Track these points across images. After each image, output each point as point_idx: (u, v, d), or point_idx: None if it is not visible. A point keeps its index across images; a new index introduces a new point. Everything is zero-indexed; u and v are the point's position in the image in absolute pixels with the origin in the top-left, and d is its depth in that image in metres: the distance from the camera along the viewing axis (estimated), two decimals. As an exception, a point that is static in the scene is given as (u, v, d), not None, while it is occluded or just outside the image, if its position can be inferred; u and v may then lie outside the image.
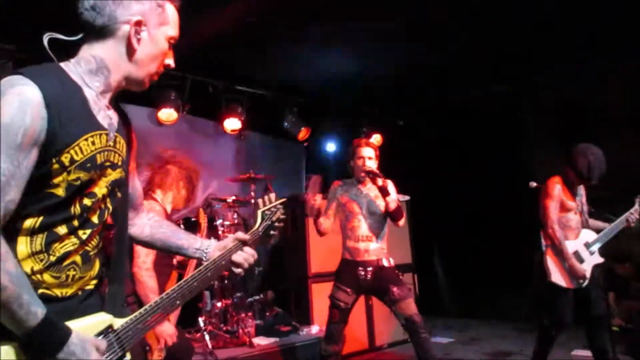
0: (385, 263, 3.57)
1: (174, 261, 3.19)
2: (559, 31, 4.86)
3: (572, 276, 3.53)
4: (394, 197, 3.56)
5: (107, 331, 1.32)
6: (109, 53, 1.36)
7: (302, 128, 6.54)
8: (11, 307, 1.10)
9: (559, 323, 3.60)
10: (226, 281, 4.95)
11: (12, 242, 1.19)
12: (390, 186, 3.57)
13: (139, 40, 1.37)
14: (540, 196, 3.71)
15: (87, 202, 1.31)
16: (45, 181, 1.21)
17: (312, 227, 5.16)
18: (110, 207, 1.42)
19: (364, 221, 3.59)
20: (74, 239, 1.30)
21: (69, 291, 1.30)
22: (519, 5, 4.36)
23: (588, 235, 3.69)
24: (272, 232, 1.79)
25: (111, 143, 1.37)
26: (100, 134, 1.33)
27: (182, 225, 4.48)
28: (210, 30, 4.63)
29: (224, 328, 4.64)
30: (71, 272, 1.30)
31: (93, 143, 1.30)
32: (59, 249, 1.27)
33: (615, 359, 3.57)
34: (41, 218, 1.23)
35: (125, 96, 5.11)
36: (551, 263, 3.58)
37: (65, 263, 1.28)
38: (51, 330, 1.16)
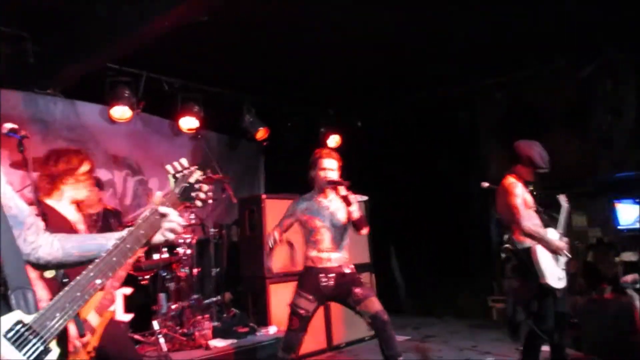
0: (346, 270, 3.58)
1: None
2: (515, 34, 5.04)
3: (557, 276, 3.57)
4: (356, 207, 3.55)
5: (15, 326, 1.29)
6: None
7: (261, 128, 6.49)
8: None
9: (547, 326, 3.56)
10: (181, 283, 4.86)
11: None
12: (352, 196, 3.53)
13: None
14: (503, 197, 3.71)
15: None
16: None
17: (269, 227, 5.15)
18: None
19: (327, 233, 3.57)
20: None
21: None
22: (474, 7, 4.49)
23: (553, 233, 3.71)
24: (192, 193, 1.77)
25: None
26: None
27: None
28: (165, 26, 4.53)
29: (180, 331, 4.55)
30: None
31: None
32: None
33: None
34: None
35: (76, 92, 4.98)
36: (542, 263, 3.52)
37: None
38: None
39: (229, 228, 5.97)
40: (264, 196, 5.29)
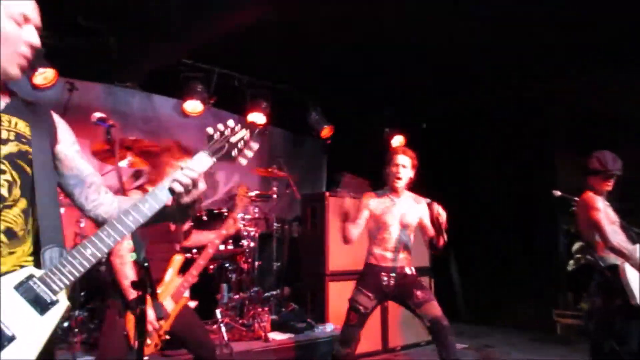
0: (408, 271, 3.57)
1: (177, 246, 3.18)
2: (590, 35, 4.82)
3: None
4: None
5: (27, 280, 1.35)
6: None
7: (326, 126, 6.54)
8: None
9: (630, 348, 3.42)
10: (243, 275, 4.98)
11: None
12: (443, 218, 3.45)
13: None
14: (584, 212, 3.58)
15: None
16: None
17: (331, 225, 5.22)
18: (19, 181, 1.41)
19: (396, 233, 3.56)
20: None
21: (3, 267, 1.34)
22: (544, 8, 4.33)
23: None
24: (232, 151, 1.63)
25: None
26: None
27: (205, 217, 4.54)
28: (237, 24, 4.65)
29: (240, 321, 4.67)
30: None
31: None
32: None
33: None
34: None
35: (152, 86, 5.21)
36: (632, 282, 3.35)
37: None
38: None
39: (290, 224, 6.06)
40: (327, 193, 5.33)
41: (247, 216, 5.02)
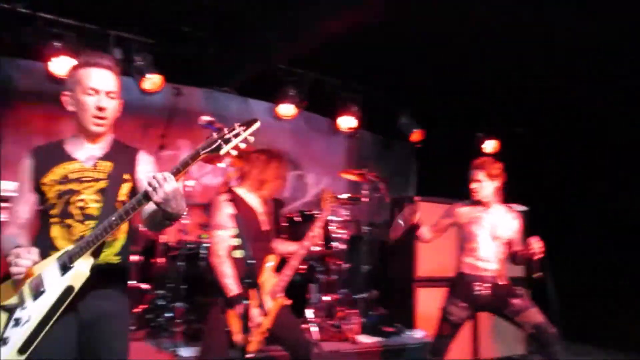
0: (501, 281, 3.49)
1: (268, 244, 3.24)
2: None
3: None
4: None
5: (63, 254, 1.90)
6: None
7: (416, 130, 6.47)
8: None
9: None
10: (333, 276, 5.03)
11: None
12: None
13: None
14: None
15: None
16: None
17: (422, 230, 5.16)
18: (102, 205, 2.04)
19: (485, 244, 3.50)
20: None
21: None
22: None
23: None
24: (223, 144, 1.80)
25: (87, 166, 2.06)
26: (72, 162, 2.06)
27: (297, 218, 4.65)
28: (329, 29, 4.72)
29: (329, 322, 4.73)
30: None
31: (64, 168, 2.05)
32: None
33: None
34: None
35: (248, 90, 5.41)
36: None
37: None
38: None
39: (380, 227, 6.04)
40: (416, 198, 5.27)
41: (338, 218, 5.07)
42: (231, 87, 5.99)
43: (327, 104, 6.25)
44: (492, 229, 3.51)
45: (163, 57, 5.31)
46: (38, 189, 2.04)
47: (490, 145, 6.71)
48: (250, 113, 6.16)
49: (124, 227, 2.07)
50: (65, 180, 2.02)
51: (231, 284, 2.81)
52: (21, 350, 1.78)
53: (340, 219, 5.11)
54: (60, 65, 4.74)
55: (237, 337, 2.78)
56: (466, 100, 6.42)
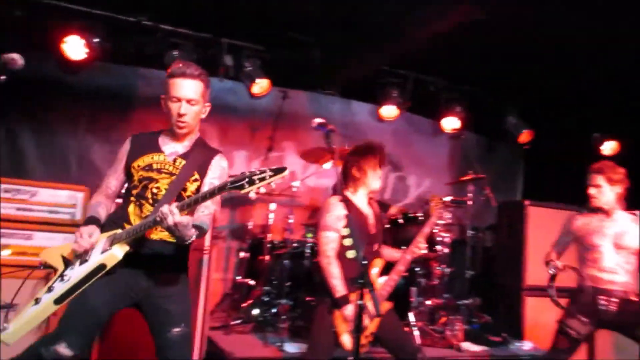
0: (633, 297, 3.18)
1: (375, 247, 3.23)
2: None
3: None
4: None
5: (112, 234, 2.24)
6: None
7: (524, 130, 6.17)
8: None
9: None
10: (434, 280, 4.93)
11: None
12: None
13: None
14: None
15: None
16: None
17: (531, 236, 4.93)
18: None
19: (608, 254, 3.24)
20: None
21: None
22: None
23: None
24: (246, 185, 1.94)
25: (169, 160, 2.36)
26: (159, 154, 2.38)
27: (400, 220, 4.61)
28: (433, 29, 4.63)
29: (431, 327, 4.64)
30: None
31: (152, 158, 2.37)
32: None
33: None
34: None
35: (350, 93, 5.43)
36: None
37: None
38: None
39: (484, 232, 5.84)
40: (526, 202, 5.03)
41: (441, 222, 4.95)
42: (335, 90, 6.09)
43: (430, 105, 6.15)
44: (616, 238, 3.24)
45: (271, 62, 5.52)
46: (128, 170, 2.37)
47: (609, 147, 6.22)
48: (352, 115, 6.22)
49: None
50: (149, 168, 2.34)
51: (339, 285, 2.84)
52: (56, 302, 2.13)
53: (443, 222, 4.99)
54: (176, 72, 5.09)
55: (343, 338, 2.83)
56: (580, 99, 6.00)
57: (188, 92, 2.30)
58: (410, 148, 6.51)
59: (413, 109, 6.25)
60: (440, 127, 6.16)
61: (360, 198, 3.13)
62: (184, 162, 2.36)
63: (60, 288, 2.15)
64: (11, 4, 4.56)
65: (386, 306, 3.01)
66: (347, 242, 2.97)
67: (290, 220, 4.61)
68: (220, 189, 2.00)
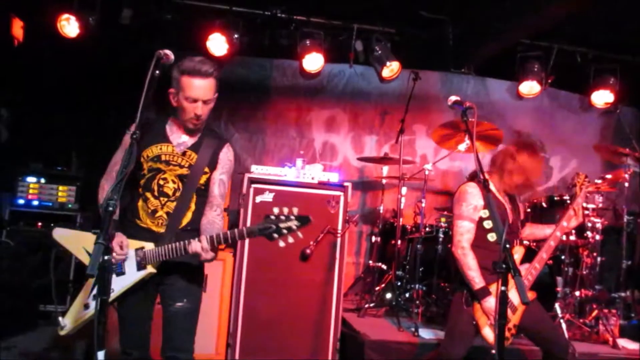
0: None
1: (518, 238, 3.01)
2: None
3: None
4: None
5: (138, 249, 2.28)
6: None
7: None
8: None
9: None
10: (584, 270, 4.51)
11: None
12: None
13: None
14: None
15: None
16: None
17: None
18: (180, 189, 2.40)
19: None
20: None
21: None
22: None
23: None
24: (274, 234, 2.11)
25: (177, 151, 2.39)
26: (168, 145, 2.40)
27: (544, 204, 4.30)
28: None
29: (581, 320, 4.26)
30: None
31: (160, 148, 2.38)
32: None
33: None
34: None
35: (486, 70, 5.12)
36: None
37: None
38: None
39: (643, 217, 5.19)
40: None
41: (591, 205, 4.52)
42: (469, 68, 5.82)
43: (578, 78, 5.62)
44: None
45: (401, 44, 5.45)
46: (138, 159, 2.33)
47: None
48: (488, 93, 5.89)
49: (193, 200, 2.41)
50: (157, 159, 2.35)
51: (477, 277, 2.73)
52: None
53: (594, 206, 4.54)
54: (311, 61, 5.25)
55: (485, 331, 2.71)
56: None
57: (205, 92, 2.29)
58: (554, 126, 6.00)
59: (558, 84, 5.76)
60: (590, 102, 5.60)
61: (498, 187, 2.96)
62: (194, 155, 2.39)
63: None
64: (161, 7, 5.03)
65: (530, 296, 2.83)
66: (487, 224, 2.83)
67: (422, 204, 4.52)
68: (250, 234, 2.16)
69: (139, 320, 2.41)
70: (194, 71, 2.26)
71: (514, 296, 2.72)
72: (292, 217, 2.12)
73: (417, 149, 5.75)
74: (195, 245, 2.17)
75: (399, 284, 4.42)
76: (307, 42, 5.19)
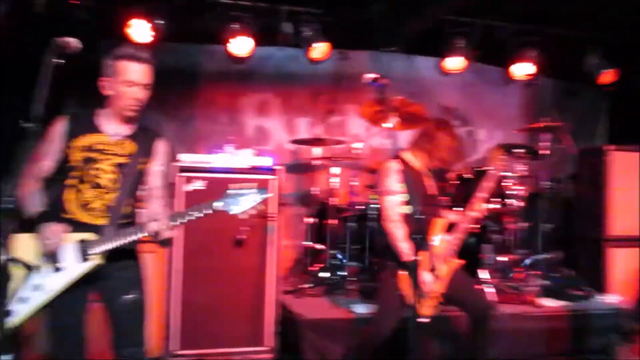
0: None
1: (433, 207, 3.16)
2: None
3: None
4: None
5: (80, 241, 2.19)
6: None
7: (606, 70, 5.67)
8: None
9: None
10: (509, 236, 4.77)
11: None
12: None
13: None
14: None
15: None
16: None
17: (615, 183, 4.61)
18: (117, 180, 2.33)
19: None
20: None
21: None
22: None
23: None
24: (235, 207, 2.14)
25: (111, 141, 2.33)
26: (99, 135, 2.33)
27: (470, 175, 4.48)
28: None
29: (507, 284, 4.52)
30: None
31: (91, 138, 2.31)
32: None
33: None
34: None
35: (414, 48, 5.20)
36: None
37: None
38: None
39: (563, 182, 5.51)
40: (609, 147, 4.68)
41: (514, 174, 4.75)
42: (397, 46, 5.90)
43: (501, 53, 5.80)
44: None
45: (330, 25, 5.44)
46: (64, 151, 2.28)
47: None
48: (416, 71, 6.03)
49: (133, 190, 2.38)
50: (89, 149, 2.29)
51: (405, 248, 2.85)
52: (39, 310, 2.16)
53: (516, 174, 4.77)
54: (239, 45, 5.18)
55: (410, 300, 2.84)
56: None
57: (144, 76, 2.29)
58: (480, 100, 6.23)
59: (483, 59, 5.93)
60: (511, 75, 5.82)
61: (420, 163, 3.09)
62: (130, 144, 2.35)
63: (38, 298, 2.15)
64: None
65: (454, 264, 2.98)
66: (401, 197, 2.94)
67: (354, 183, 4.62)
68: (211, 208, 2.17)
69: (73, 325, 2.28)
70: (131, 56, 2.27)
71: (440, 266, 2.87)
72: (253, 190, 2.16)
73: (350, 128, 5.85)
74: (153, 225, 2.16)
75: (334, 262, 4.52)
76: (234, 25, 5.12)
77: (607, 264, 4.59)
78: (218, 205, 2.16)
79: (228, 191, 2.16)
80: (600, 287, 4.58)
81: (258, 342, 3.75)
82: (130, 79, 2.26)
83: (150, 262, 3.67)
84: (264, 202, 2.22)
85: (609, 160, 4.66)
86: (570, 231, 5.17)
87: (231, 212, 2.13)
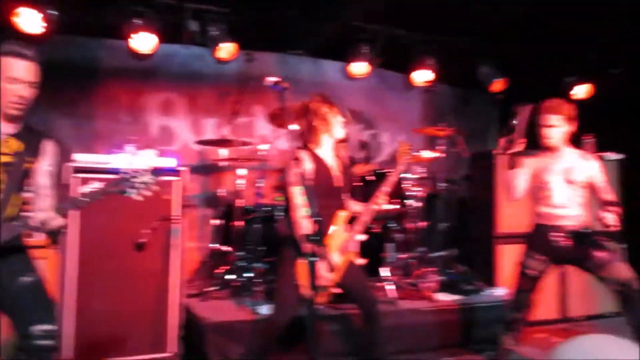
0: (585, 230, 3.26)
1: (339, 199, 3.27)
2: None
3: None
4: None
5: None
6: None
7: (497, 79, 6.12)
8: None
9: None
10: (409, 235, 5.01)
11: None
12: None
13: None
14: None
15: None
16: None
17: (502, 185, 4.96)
18: (5, 179, 2.24)
19: (559, 189, 3.33)
20: None
21: None
22: None
23: None
24: (130, 190, 2.20)
25: None
26: None
27: (373, 177, 4.65)
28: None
29: (406, 281, 4.74)
30: None
31: None
32: None
33: None
34: None
35: (321, 52, 5.31)
36: None
37: None
38: None
39: (458, 183, 5.88)
40: (498, 151, 5.05)
41: (413, 176, 4.99)
42: (305, 49, 5.99)
43: (403, 59, 6.07)
44: (565, 174, 3.32)
45: (237, 25, 5.40)
46: None
47: (581, 91, 6.18)
48: (322, 74, 6.16)
49: (19, 190, 2.34)
50: None
51: (307, 228, 2.88)
52: None
53: (415, 176, 5.03)
54: (140, 41, 5.00)
55: (306, 291, 2.89)
56: (554, 43, 5.91)
57: (28, 74, 2.25)
58: (383, 104, 6.49)
59: (386, 65, 6.16)
60: (412, 81, 6.11)
61: (325, 151, 3.15)
62: (15, 142, 2.29)
63: None
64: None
65: (349, 258, 3.08)
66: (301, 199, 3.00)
67: (260, 184, 4.63)
68: (104, 192, 2.23)
69: None
70: (14, 52, 2.22)
71: (335, 257, 2.96)
72: (146, 171, 2.17)
73: (257, 129, 5.85)
74: (40, 215, 2.11)
75: (241, 264, 4.50)
76: (137, 21, 4.93)
77: (496, 259, 4.94)
78: (111, 188, 2.16)
79: (122, 174, 2.17)
80: (491, 281, 4.92)
81: (161, 348, 3.65)
82: (12, 75, 2.21)
83: (41, 268, 3.47)
84: (167, 202, 2.22)
85: (496, 164, 5.01)
86: (464, 230, 5.51)
87: (125, 195, 2.15)
